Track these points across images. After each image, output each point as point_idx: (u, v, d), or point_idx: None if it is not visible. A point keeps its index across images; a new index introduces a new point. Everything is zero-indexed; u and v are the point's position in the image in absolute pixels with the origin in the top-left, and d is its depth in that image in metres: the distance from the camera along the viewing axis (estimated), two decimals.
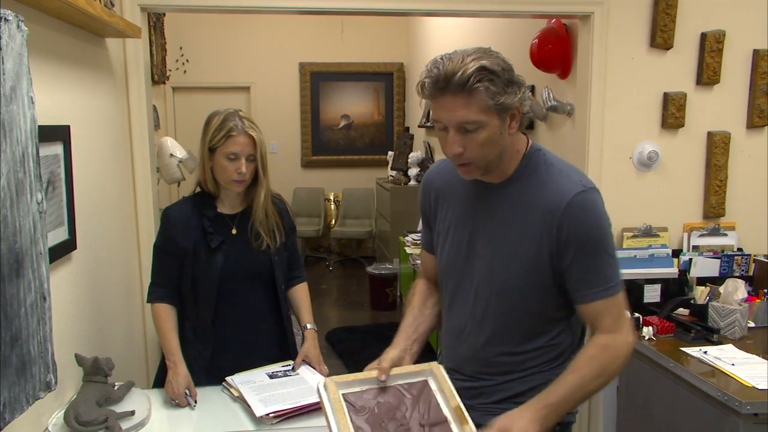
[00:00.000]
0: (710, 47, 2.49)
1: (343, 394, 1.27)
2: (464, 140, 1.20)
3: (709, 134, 2.55)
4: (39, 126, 1.20)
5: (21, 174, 1.14)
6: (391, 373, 1.27)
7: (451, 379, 1.29)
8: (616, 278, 1.26)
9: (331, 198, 7.29)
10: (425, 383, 1.29)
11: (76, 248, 1.75)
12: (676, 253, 2.50)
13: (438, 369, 1.29)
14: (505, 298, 1.31)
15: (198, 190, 1.87)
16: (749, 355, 2.13)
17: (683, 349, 2.23)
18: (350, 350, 4.26)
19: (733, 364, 2.04)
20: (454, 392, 1.24)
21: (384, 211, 6.11)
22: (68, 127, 1.69)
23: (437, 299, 1.50)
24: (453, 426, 1.20)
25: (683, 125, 2.53)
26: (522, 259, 1.27)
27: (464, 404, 1.24)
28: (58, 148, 1.62)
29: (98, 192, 2.00)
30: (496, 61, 1.18)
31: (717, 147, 2.52)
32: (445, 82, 1.16)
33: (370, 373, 1.29)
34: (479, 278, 1.33)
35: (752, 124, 2.57)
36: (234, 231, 1.84)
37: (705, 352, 2.14)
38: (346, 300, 5.71)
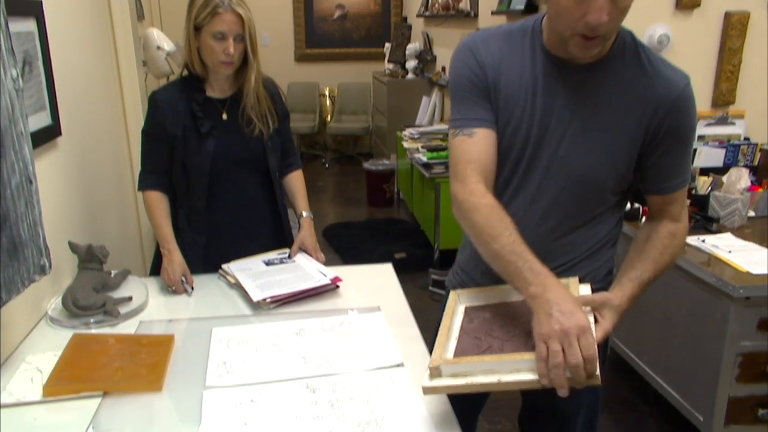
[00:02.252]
0: None
1: (466, 307, 1.26)
2: (611, 7, 1.06)
3: (727, 14, 2.43)
4: None
5: None
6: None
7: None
8: (690, 167, 1.25)
9: (327, 93, 7.14)
10: None
11: (61, 134, 1.71)
12: None
13: (575, 284, 1.21)
14: (580, 187, 1.22)
15: (185, 73, 1.80)
16: (747, 242, 2.15)
17: None
18: (347, 245, 4.32)
19: (730, 252, 2.07)
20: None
21: (381, 106, 5.99)
22: (40, 1, 1.60)
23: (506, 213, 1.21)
24: None
25: (699, 5, 2.41)
26: (609, 147, 1.19)
27: None
28: (31, 25, 1.53)
29: (80, 77, 1.93)
30: None
31: (734, 28, 2.41)
32: None
33: (499, 287, 1.25)
34: (550, 167, 1.22)
35: None
36: (224, 116, 1.79)
37: (703, 241, 2.17)
38: (342, 197, 5.73)
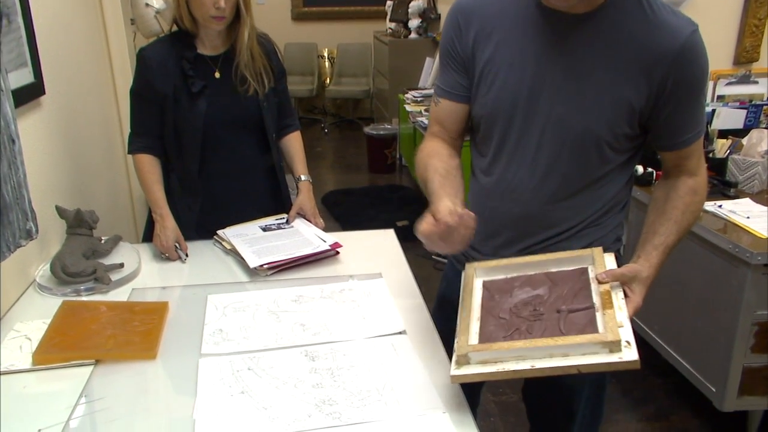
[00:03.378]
0: None
1: (484, 281, 1.23)
2: None
3: None
4: None
5: None
6: (549, 258, 1.21)
7: (494, 249, 1.26)
8: (704, 117, 1.23)
9: (325, 54, 7.04)
10: (584, 271, 1.18)
11: (44, 93, 1.68)
12: None
13: (600, 255, 1.18)
14: (582, 148, 1.19)
15: (175, 28, 1.76)
16: (766, 208, 2.13)
17: None
18: (348, 213, 4.31)
19: (748, 217, 2.05)
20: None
21: (382, 68, 5.92)
22: None
23: (459, 163, 1.31)
24: (597, 313, 1.07)
25: None
26: (611, 104, 1.15)
27: None
28: None
29: (64, 33, 1.89)
30: None
31: None
32: None
33: (516, 259, 1.24)
34: (546, 126, 1.19)
35: None
36: (217, 74, 1.76)
37: (720, 206, 2.15)
38: (342, 163, 5.70)
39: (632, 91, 1.14)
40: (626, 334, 1.01)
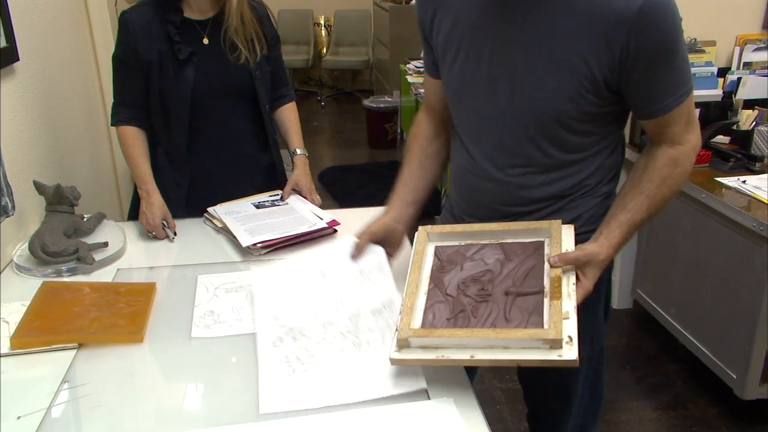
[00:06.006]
0: None
1: (436, 247, 1.25)
2: None
3: None
4: None
5: None
6: (505, 229, 1.23)
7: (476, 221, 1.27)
8: (688, 80, 1.17)
9: (322, 22, 6.98)
10: (539, 245, 1.20)
11: (18, 59, 1.65)
12: (723, 72, 2.39)
13: (558, 229, 1.19)
14: (548, 125, 1.19)
15: None
16: None
17: (719, 179, 2.22)
18: (346, 190, 4.30)
19: None
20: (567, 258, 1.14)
21: (382, 37, 5.87)
22: None
23: (444, 141, 1.41)
24: (545, 299, 1.09)
25: None
26: (571, 78, 1.14)
27: None
28: None
29: None
30: None
31: None
32: None
33: (472, 226, 1.26)
34: (506, 105, 1.20)
35: None
36: (205, 41, 1.73)
37: (744, 182, 2.14)
38: (340, 138, 5.67)
39: (592, 62, 1.12)
40: (570, 328, 1.02)
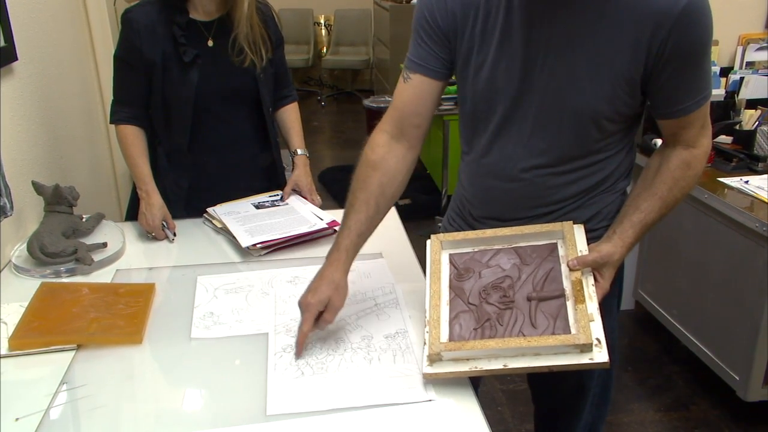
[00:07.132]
0: None
1: (450, 254, 1.26)
2: None
3: None
4: None
5: None
6: (517, 233, 1.24)
7: (495, 226, 1.27)
8: (709, 85, 1.18)
9: (322, 21, 6.98)
10: (553, 247, 1.21)
11: (17, 59, 1.65)
12: (725, 71, 2.39)
13: (570, 230, 1.20)
14: (580, 125, 1.19)
15: None
16: None
17: (721, 179, 2.22)
18: (346, 191, 4.27)
19: None
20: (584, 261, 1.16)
21: (383, 36, 5.86)
22: None
23: (407, 172, 1.30)
24: (568, 303, 1.11)
25: None
26: (610, 78, 1.14)
27: None
28: None
29: None
30: None
31: None
32: None
33: (483, 232, 1.26)
34: (542, 105, 1.19)
35: None
36: (210, 43, 1.73)
37: (746, 182, 2.13)
38: (340, 138, 5.67)
39: (631, 62, 1.13)
40: (597, 329, 1.05)
